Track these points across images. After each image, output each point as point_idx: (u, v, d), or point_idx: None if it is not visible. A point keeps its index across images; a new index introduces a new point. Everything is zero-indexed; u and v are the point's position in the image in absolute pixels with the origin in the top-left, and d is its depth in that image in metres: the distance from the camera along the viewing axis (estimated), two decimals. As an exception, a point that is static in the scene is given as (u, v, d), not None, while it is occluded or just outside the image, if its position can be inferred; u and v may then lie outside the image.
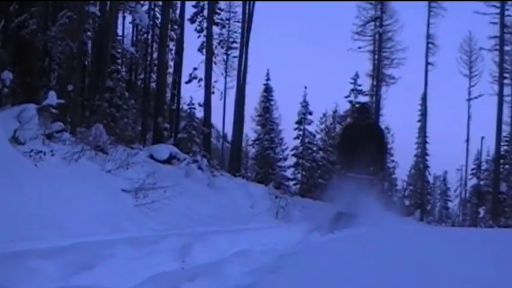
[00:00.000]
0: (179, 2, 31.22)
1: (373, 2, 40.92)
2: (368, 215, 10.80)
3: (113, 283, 4.42)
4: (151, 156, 19.51)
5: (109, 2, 21.23)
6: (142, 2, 30.18)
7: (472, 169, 44.59)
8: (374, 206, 11.79)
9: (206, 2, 32.98)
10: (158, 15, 30.92)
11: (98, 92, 20.61)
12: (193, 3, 33.61)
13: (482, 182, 43.19)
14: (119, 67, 24.66)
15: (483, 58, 41.14)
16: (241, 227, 10.23)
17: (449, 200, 50.58)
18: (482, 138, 41.34)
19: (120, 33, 30.05)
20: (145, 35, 32.97)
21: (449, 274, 4.72)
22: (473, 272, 4.75)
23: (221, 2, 36.10)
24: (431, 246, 7.27)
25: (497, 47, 37.12)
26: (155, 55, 30.76)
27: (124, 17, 30.70)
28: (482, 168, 44.23)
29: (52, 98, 10.76)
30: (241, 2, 33.20)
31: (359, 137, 11.55)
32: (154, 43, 31.84)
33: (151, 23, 31.33)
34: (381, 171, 14.30)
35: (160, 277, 4.47)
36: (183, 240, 6.24)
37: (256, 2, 32.21)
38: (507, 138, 40.19)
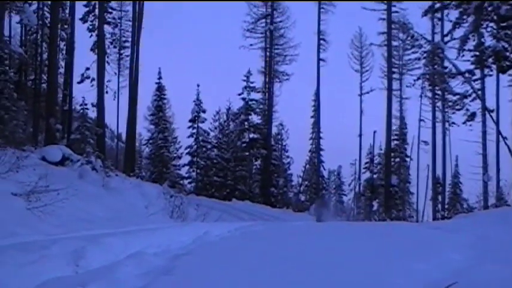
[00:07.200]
0: (68, 2, 30.73)
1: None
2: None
3: (-1, 292, 4.27)
4: (43, 158, 19.19)
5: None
6: (30, 1, 29.44)
7: (365, 163, 45.99)
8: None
9: (97, 2, 32.51)
10: (48, 15, 30.22)
11: (-16, 94, 20.05)
12: (84, 2, 33.13)
13: (375, 176, 44.56)
14: (7, 68, 23.97)
15: (373, 53, 42.88)
16: (135, 228, 10.24)
17: (344, 194, 51.88)
18: (375, 132, 42.80)
19: (7, 33, 29.20)
20: (34, 35, 32.17)
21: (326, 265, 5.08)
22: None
23: (112, 1, 35.72)
24: (315, 242, 7.66)
25: (386, 43, 38.58)
26: (45, 55, 30.01)
27: (10, 17, 29.82)
28: (375, 162, 45.62)
29: None
30: (131, 1, 33.07)
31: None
32: (44, 43, 31.10)
33: (40, 22, 30.63)
34: None
35: (51, 283, 4.43)
36: (77, 243, 6.22)
37: (146, 1, 32.24)
38: (397, 132, 41.69)
